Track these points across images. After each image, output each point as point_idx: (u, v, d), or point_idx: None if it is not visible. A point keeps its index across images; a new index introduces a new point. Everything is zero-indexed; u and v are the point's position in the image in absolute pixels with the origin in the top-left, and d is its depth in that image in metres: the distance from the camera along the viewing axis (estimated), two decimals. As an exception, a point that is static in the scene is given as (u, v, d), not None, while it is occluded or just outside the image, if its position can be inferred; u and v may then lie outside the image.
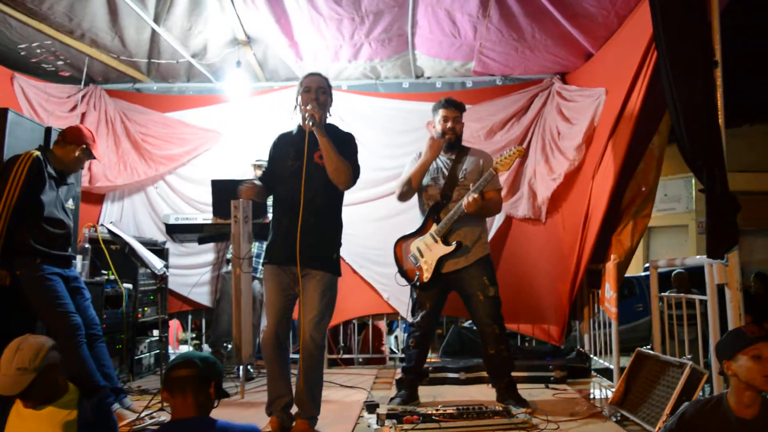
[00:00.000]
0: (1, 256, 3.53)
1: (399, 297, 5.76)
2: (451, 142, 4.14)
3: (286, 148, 3.60)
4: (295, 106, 3.61)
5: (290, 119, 3.71)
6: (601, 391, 4.59)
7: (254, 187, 3.55)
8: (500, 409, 3.64)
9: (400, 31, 5.13)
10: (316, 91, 3.51)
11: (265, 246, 3.70)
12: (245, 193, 3.54)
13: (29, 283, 3.64)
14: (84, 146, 3.87)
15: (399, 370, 4.43)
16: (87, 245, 4.95)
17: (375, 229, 5.86)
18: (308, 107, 3.39)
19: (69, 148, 3.84)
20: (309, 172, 3.43)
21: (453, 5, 4.61)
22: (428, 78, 6.14)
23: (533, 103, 5.70)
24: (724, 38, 3.18)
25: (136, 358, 5.36)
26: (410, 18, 4.86)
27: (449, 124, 4.12)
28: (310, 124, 3.36)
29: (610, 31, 4.61)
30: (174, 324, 6.90)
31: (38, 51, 5.46)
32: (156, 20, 5.00)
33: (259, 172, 3.90)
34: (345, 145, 3.55)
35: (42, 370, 2.60)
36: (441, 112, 4.15)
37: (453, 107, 4.15)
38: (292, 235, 3.37)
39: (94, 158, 3.99)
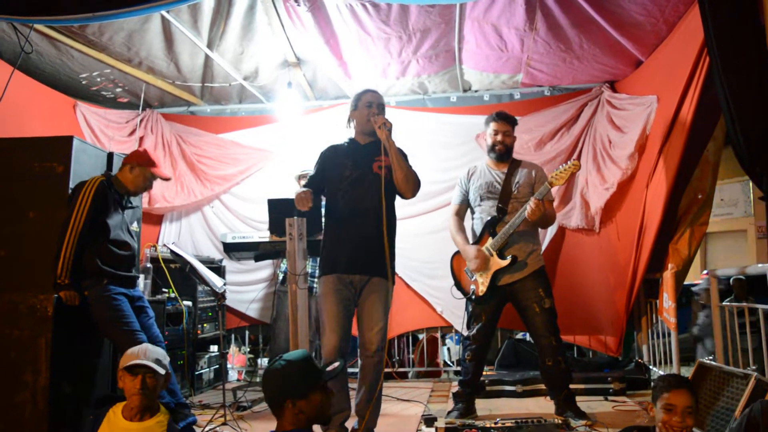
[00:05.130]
0: (70, 277, 3.70)
1: (453, 310, 5.79)
2: (501, 153, 4.18)
3: (340, 159, 3.64)
4: (349, 120, 3.70)
5: (343, 133, 3.78)
6: (662, 402, 4.50)
7: (308, 193, 3.45)
8: (559, 421, 3.62)
9: (447, 47, 5.18)
10: (378, 107, 3.60)
11: (319, 260, 3.73)
12: (304, 202, 3.43)
13: (97, 302, 3.79)
14: (140, 166, 3.98)
15: (455, 384, 4.43)
16: (149, 264, 5.13)
17: (427, 242, 5.90)
18: (378, 117, 3.46)
19: (126, 170, 3.99)
20: (370, 181, 3.49)
21: (499, 20, 4.63)
22: (476, 91, 6.18)
23: (583, 112, 5.67)
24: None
25: (197, 373, 5.50)
26: (457, 34, 4.91)
27: (499, 137, 4.17)
28: (387, 130, 3.42)
29: (660, 38, 4.56)
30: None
31: (98, 79, 5.71)
32: (209, 46, 5.17)
33: (303, 182, 3.97)
34: (404, 157, 3.64)
35: (168, 373, 2.90)
36: (492, 126, 4.21)
37: (503, 120, 4.19)
38: (357, 243, 3.42)
39: (156, 178, 4.06)
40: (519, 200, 4.03)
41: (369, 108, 3.58)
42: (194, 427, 3.94)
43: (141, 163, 3.99)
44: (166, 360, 2.94)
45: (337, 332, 3.44)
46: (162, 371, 2.82)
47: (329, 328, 3.46)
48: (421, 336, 6.28)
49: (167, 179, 4.18)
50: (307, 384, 2.32)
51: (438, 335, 6.18)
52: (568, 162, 3.91)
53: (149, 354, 2.84)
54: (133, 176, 3.97)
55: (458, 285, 4.25)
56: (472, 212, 4.28)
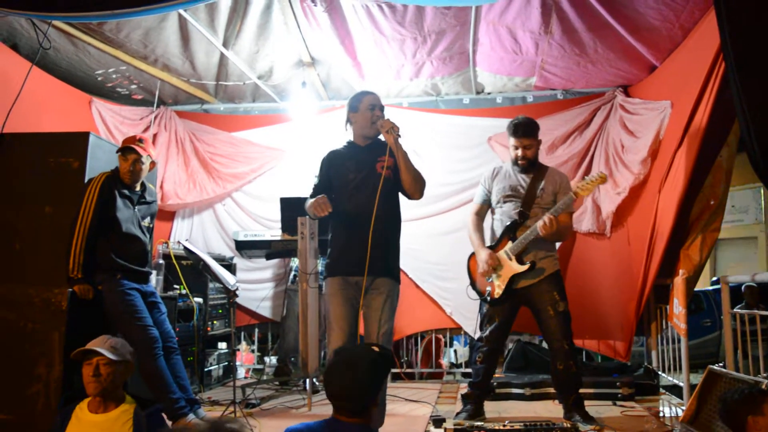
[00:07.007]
0: (83, 271, 3.74)
1: (462, 312, 5.79)
2: (525, 168, 4.12)
3: (343, 162, 3.59)
4: (347, 122, 3.64)
5: (344, 135, 3.72)
6: (671, 409, 4.49)
7: (325, 198, 3.36)
8: (568, 425, 3.60)
9: (461, 49, 5.19)
10: (380, 109, 3.57)
11: (325, 261, 3.71)
12: (323, 207, 3.32)
13: (110, 297, 3.83)
14: (118, 153, 4.00)
15: (463, 385, 4.44)
16: (161, 261, 5.16)
17: (438, 244, 5.91)
18: (385, 121, 3.44)
19: (118, 160, 4.02)
20: (374, 183, 3.45)
21: (515, 22, 4.64)
22: (489, 93, 6.18)
23: (595, 116, 5.66)
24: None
25: (206, 369, 5.53)
26: (472, 36, 4.91)
27: (520, 153, 4.09)
28: (396, 134, 3.39)
29: (675, 43, 4.56)
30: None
31: (114, 76, 5.75)
32: (225, 45, 5.20)
33: None
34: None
35: (127, 362, 2.86)
36: (512, 141, 4.12)
37: (523, 136, 4.07)
38: (363, 245, 3.37)
39: (128, 157, 3.96)
40: (541, 206, 4.00)
41: (372, 111, 3.53)
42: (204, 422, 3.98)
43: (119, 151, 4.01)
44: (126, 350, 2.89)
45: (345, 332, 3.40)
46: (115, 357, 2.76)
47: (336, 328, 3.42)
48: (425, 336, 6.29)
49: (128, 145, 4.00)
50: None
51: (441, 336, 6.19)
52: (595, 173, 3.89)
53: (105, 342, 2.82)
54: (120, 166, 3.99)
55: (474, 286, 4.24)
56: (493, 212, 4.26)
